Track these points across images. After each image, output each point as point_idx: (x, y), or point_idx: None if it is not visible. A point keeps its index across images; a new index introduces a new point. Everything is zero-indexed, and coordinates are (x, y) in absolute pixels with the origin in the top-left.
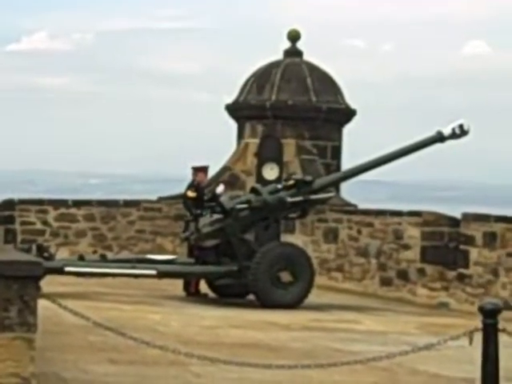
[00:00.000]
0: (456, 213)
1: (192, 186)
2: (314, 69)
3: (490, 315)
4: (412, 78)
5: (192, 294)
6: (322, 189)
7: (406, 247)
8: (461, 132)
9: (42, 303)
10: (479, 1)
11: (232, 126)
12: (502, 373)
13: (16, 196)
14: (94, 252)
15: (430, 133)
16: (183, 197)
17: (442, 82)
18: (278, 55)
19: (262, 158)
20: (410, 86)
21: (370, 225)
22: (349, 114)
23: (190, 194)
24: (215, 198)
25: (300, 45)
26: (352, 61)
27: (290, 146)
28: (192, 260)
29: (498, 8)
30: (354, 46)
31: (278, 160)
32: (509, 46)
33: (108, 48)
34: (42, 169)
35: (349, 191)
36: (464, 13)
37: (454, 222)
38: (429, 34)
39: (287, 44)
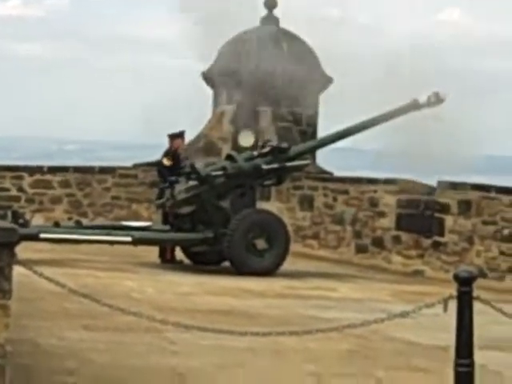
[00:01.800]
0: (432, 181)
1: (168, 153)
2: (290, 36)
3: (464, 283)
4: (388, 47)
5: (167, 260)
6: (298, 156)
7: (382, 215)
8: (436, 100)
9: (16, 270)
10: None
11: (208, 93)
12: (476, 340)
13: None
14: (70, 219)
15: (406, 101)
16: (158, 164)
17: (416, 50)
18: (255, 22)
19: (238, 126)
20: (386, 54)
21: (346, 192)
22: (325, 81)
23: (166, 161)
24: (194, 170)
25: (276, 12)
26: (327, 30)
27: (265, 113)
28: (167, 227)
29: None
30: (328, 15)
31: (254, 127)
32: (484, 14)
33: (83, 14)
34: (16, 135)
35: (325, 159)
36: None
37: (429, 189)
38: (403, 2)
39: (264, 11)
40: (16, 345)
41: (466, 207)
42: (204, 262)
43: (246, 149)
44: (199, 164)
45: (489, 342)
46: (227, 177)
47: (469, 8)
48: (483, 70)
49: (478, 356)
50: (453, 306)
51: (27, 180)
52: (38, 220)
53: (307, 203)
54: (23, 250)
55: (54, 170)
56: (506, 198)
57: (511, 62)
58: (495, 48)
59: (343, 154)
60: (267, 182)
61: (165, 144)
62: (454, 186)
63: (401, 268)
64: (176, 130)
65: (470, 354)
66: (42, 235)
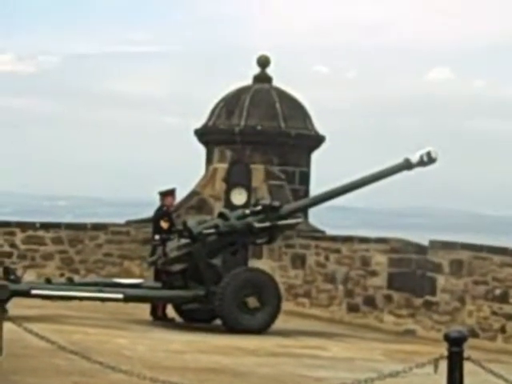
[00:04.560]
0: (424, 240)
1: (164, 213)
2: (283, 95)
3: (455, 343)
4: (377, 105)
5: (159, 318)
6: (290, 214)
7: (373, 274)
8: (428, 159)
9: (7, 326)
10: (443, 28)
11: (201, 150)
12: None
13: None
14: (61, 275)
15: (398, 160)
16: (157, 226)
17: (406, 108)
18: (248, 81)
19: (231, 183)
20: (376, 112)
21: (338, 251)
22: (317, 140)
23: (164, 224)
24: (186, 228)
25: (269, 71)
26: (318, 87)
27: (258, 171)
28: (159, 284)
29: (462, 35)
30: (318, 72)
31: (247, 185)
32: (472, 73)
33: (74, 71)
34: (8, 190)
35: (317, 217)
36: (428, 40)
37: (420, 249)
38: (391, 61)
39: (257, 69)
40: None
41: (457, 267)
42: (195, 319)
43: (238, 207)
44: (191, 222)
45: None
46: (219, 235)
47: (459, 67)
48: (474, 129)
49: None
50: (444, 365)
51: (19, 236)
52: (29, 276)
53: (299, 262)
54: (14, 306)
55: (46, 226)
56: (497, 258)
57: (501, 122)
58: (486, 107)
59: (335, 213)
60: (259, 241)
61: (155, 201)
62: (446, 245)
63: (392, 327)
64: (167, 187)
65: None
66: (34, 291)
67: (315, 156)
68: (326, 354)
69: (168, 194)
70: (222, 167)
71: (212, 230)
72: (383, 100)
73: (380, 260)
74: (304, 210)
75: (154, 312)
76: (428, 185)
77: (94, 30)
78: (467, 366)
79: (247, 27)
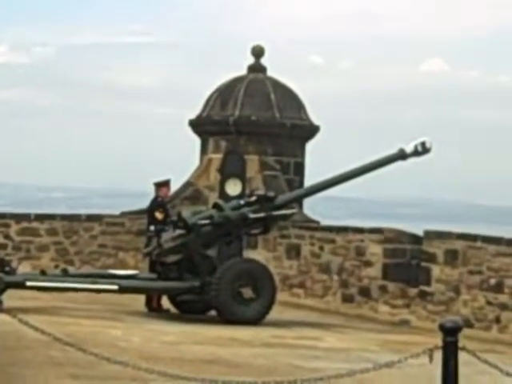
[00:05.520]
0: (419, 230)
1: (159, 204)
2: (277, 85)
3: (450, 333)
4: (372, 95)
5: (154, 309)
6: (285, 205)
7: (368, 264)
8: (423, 149)
9: (2, 318)
10: (436, 19)
11: (195, 141)
12: None
13: None
14: (56, 266)
15: (393, 150)
16: (152, 217)
17: (402, 98)
18: (242, 71)
19: (225, 174)
20: (371, 102)
21: (332, 241)
22: (312, 130)
23: (159, 215)
24: (181, 218)
25: (264, 61)
26: (313, 77)
27: (253, 161)
28: (154, 275)
29: (456, 26)
30: (313, 63)
31: (241, 176)
32: (465, 64)
33: (68, 62)
34: (3, 181)
35: (311, 207)
36: (421, 31)
37: (415, 239)
38: (386, 52)
39: (251, 60)
40: None
41: (452, 257)
42: (190, 310)
43: (232, 197)
44: (186, 213)
45: None
46: (214, 226)
47: (451, 58)
48: (469, 119)
49: None
50: (439, 356)
51: (14, 227)
52: (24, 268)
53: (294, 252)
54: (9, 298)
55: (41, 217)
56: (491, 248)
57: (496, 112)
58: (481, 97)
59: (330, 203)
60: (254, 231)
61: (150, 191)
62: (441, 235)
63: (387, 317)
64: (162, 177)
65: None
66: (29, 283)
67: (310, 146)
68: (322, 345)
69: (163, 184)
70: (217, 158)
71: (207, 221)
72: (378, 90)
73: (375, 250)
74: (299, 201)
75: (148, 303)
76: (423, 175)
77: (89, 20)
78: (462, 356)
79: (242, 18)
